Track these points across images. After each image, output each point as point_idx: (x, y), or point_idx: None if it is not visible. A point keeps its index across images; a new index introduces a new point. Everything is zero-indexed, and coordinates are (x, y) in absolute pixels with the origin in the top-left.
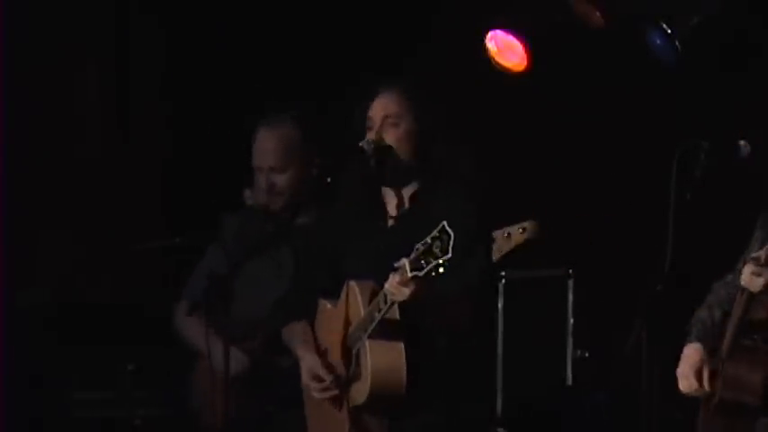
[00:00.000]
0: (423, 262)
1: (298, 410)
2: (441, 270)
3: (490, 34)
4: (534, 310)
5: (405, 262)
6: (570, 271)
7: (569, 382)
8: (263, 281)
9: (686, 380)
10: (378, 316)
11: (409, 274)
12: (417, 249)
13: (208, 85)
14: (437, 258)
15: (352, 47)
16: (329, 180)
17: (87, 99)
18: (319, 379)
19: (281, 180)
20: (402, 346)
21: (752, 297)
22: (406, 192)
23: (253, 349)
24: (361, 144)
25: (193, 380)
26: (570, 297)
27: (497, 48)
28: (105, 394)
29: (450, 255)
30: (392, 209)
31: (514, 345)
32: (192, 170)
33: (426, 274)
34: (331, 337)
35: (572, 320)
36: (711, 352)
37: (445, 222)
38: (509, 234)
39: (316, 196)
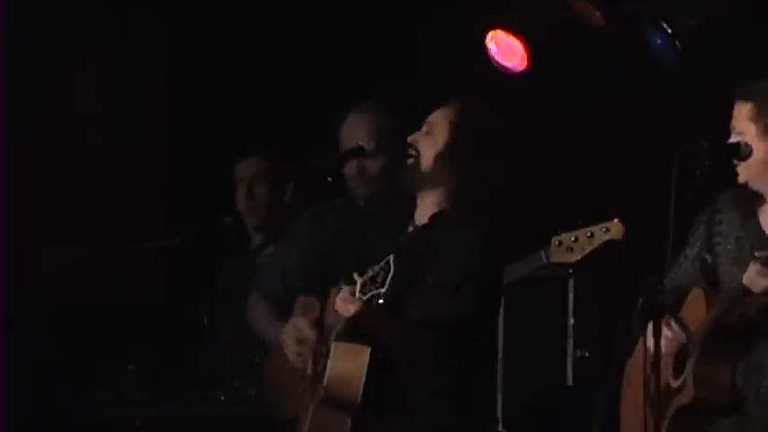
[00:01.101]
0: (367, 288)
1: None
2: (380, 300)
3: (490, 34)
4: (534, 310)
5: (359, 280)
6: (570, 271)
7: (569, 381)
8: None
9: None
10: (340, 324)
11: (357, 295)
12: (367, 274)
13: (208, 85)
14: (377, 288)
15: (352, 47)
16: (330, 179)
17: (87, 99)
18: (297, 339)
19: (372, 166)
20: (367, 353)
21: (739, 298)
22: (430, 207)
23: None
24: (360, 143)
25: (266, 373)
26: (570, 297)
27: (497, 48)
28: (105, 394)
29: (384, 288)
30: (417, 218)
31: (514, 345)
32: (191, 170)
33: (367, 300)
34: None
35: (572, 320)
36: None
37: (392, 256)
38: (592, 233)
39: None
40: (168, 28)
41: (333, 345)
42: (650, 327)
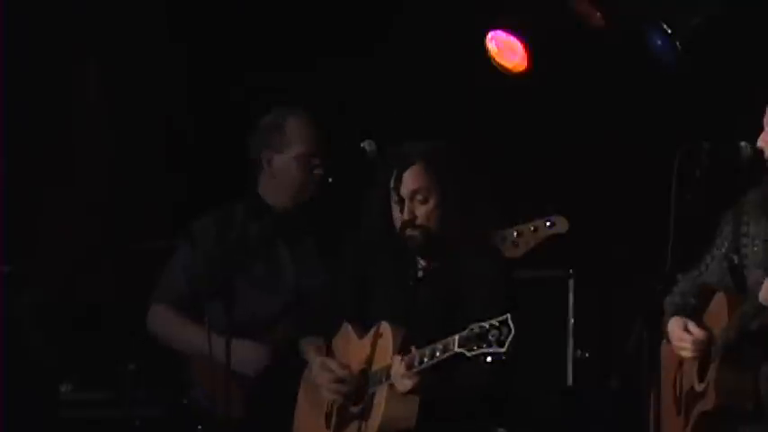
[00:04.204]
0: (474, 345)
1: None
2: (488, 359)
3: (490, 34)
4: (535, 310)
5: (454, 339)
6: (570, 271)
7: (570, 382)
8: (264, 283)
9: (684, 344)
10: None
11: (456, 350)
12: (471, 330)
13: (208, 85)
14: (490, 347)
15: (352, 47)
16: (330, 180)
17: (87, 99)
18: (330, 370)
19: None
20: (417, 402)
21: (761, 308)
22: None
23: (269, 349)
24: (362, 145)
25: (196, 381)
26: (571, 297)
27: (497, 48)
28: (105, 394)
29: (504, 349)
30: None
31: (515, 345)
32: (192, 170)
33: (474, 357)
34: (344, 359)
35: (572, 320)
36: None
37: (509, 315)
38: (536, 228)
39: (317, 197)
40: (169, 27)
41: (385, 388)
42: (672, 330)
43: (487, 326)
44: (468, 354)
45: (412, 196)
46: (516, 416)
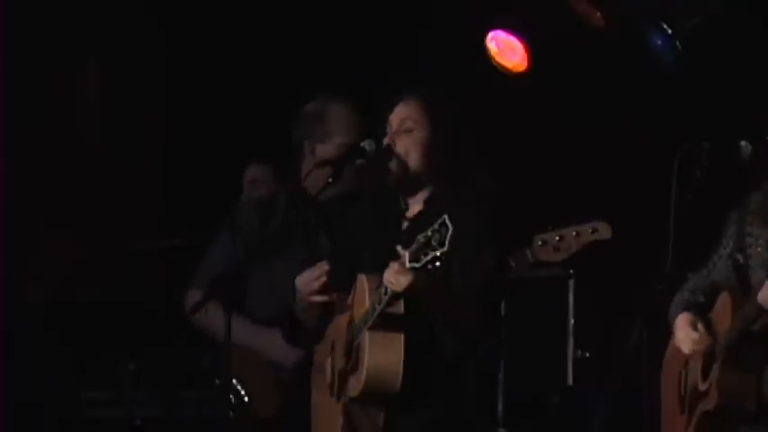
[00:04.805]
0: (421, 254)
1: None
2: (437, 263)
3: (490, 34)
4: (535, 310)
5: (404, 253)
6: (571, 271)
7: (570, 382)
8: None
9: (687, 340)
10: (378, 307)
11: (408, 265)
12: (417, 241)
13: (208, 85)
14: (434, 251)
15: (353, 47)
16: (330, 179)
17: (87, 99)
18: (310, 275)
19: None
20: (401, 340)
21: (764, 311)
22: (421, 196)
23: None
24: (362, 144)
25: (233, 370)
26: (571, 297)
27: (498, 48)
28: (105, 394)
29: (446, 248)
30: (408, 211)
31: (515, 345)
32: (191, 170)
33: (423, 265)
34: (338, 330)
35: (572, 321)
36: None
37: (446, 216)
38: (578, 233)
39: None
40: (168, 28)
41: (366, 335)
42: (679, 324)
43: (429, 232)
44: (418, 265)
45: (400, 124)
46: (516, 416)
